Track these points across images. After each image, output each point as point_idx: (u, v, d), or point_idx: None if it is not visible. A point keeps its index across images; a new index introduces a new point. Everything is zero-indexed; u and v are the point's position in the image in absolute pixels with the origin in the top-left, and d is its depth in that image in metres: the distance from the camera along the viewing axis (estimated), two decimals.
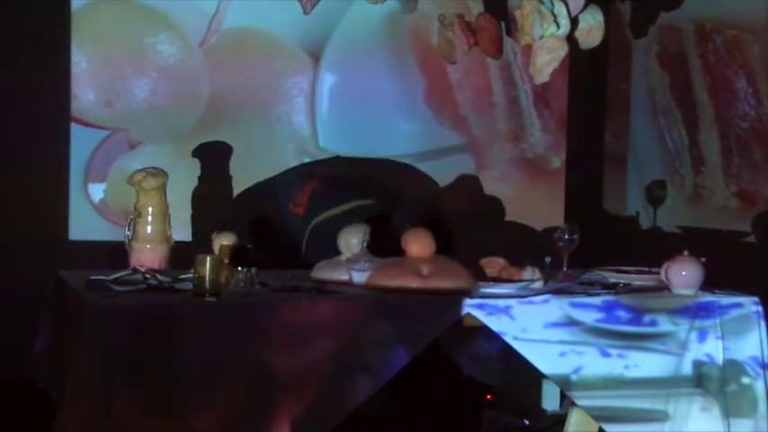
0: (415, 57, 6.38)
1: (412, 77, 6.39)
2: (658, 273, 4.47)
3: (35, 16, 6.14)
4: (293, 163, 6.29)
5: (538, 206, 6.67)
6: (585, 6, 5.07)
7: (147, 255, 4.54)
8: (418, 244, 4.32)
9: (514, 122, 6.51)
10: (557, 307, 4.20)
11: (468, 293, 4.19)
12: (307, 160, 6.27)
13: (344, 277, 4.35)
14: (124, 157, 6.25)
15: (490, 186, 6.52)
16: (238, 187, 6.17)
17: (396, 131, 6.40)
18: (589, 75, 6.90)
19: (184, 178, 5.98)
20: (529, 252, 4.70)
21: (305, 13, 5.53)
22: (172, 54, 6.17)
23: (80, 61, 6.12)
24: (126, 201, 5.76)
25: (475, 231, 6.51)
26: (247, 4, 6.18)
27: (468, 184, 6.43)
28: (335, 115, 6.34)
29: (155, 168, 4.65)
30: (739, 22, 6.70)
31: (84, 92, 6.12)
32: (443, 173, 6.44)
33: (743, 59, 6.66)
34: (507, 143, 6.53)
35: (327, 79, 6.30)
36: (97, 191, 6.19)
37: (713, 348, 4.32)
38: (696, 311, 4.32)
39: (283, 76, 6.28)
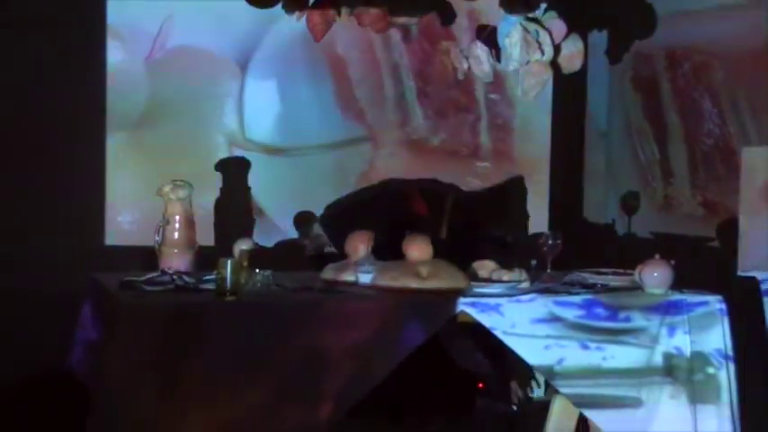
0: (325, 64, 6.55)
1: (322, 81, 6.58)
2: (632, 274, 4.48)
3: (69, 32, 6.16)
4: (223, 151, 6.51)
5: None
6: (567, 35, 5.08)
7: (175, 258, 4.54)
8: (417, 248, 4.33)
9: (401, 112, 6.70)
10: (542, 305, 4.21)
11: (462, 293, 4.20)
12: (237, 150, 6.50)
13: (351, 278, 4.36)
14: None
15: (383, 162, 6.70)
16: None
17: (310, 126, 6.58)
18: (570, 96, 6.89)
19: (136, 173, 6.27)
20: (516, 256, 4.70)
21: (316, 40, 5.55)
22: (120, 59, 6.33)
23: None
24: None
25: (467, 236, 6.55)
26: (188, 26, 6.38)
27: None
28: (259, 113, 6.52)
29: (181, 180, 4.65)
30: (706, 48, 6.69)
31: None
32: (351, 157, 6.68)
33: (708, 83, 6.65)
34: (396, 129, 6.72)
35: (252, 84, 6.48)
36: None
37: (681, 342, 4.32)
38: (666, 309, 4.32)
39: (216, 82, 6.48)
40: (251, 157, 6.46)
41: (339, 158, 6.61)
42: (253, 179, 6.45)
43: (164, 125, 6.41)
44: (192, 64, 6.46)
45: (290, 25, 5.97)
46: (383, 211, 6.27)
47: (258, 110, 6.51)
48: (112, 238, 6.17)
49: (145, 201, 5.95)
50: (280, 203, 6.49)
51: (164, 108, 6.41)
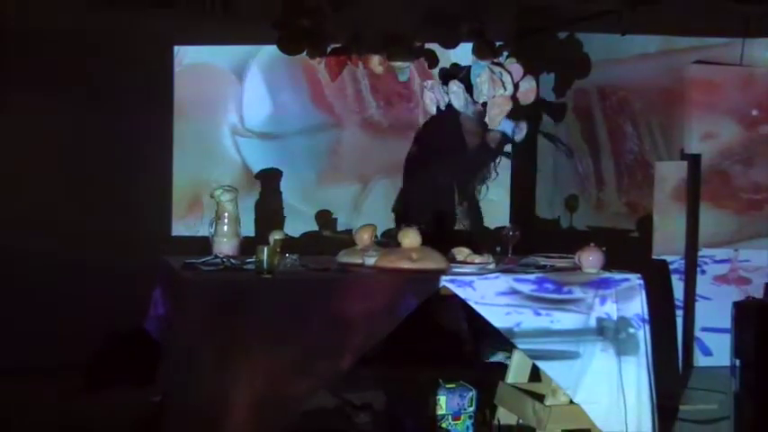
0: (303, 75, 6.55)
1: (299, 84, 6.61)
2: (573, 258, 4.46)
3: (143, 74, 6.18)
4: (228, 137, 6.53)
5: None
6: (524, 76, 5.08)
7: (225, 246, 4.52)
8: (409, 238, 4.31)
9: (360, 104, 6.73)
10: (504, 281, 4.19)
11: (444, 272, 4.18)
12: (239, 137, 6.58)
13: (359, 261, 4.34)
14: None
15: (347, 140, 6.73)
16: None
17: (292, 116, 6.61)
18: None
19: None
20: (485, 244, 4.69)
21: (332, 80, 5.53)
22: None
23: None
24: None
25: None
26: (197, 49, 6.52)
27: None
28: (254, 109, 6.59)
29: (229, 186, 4.64)
30: (627, 86, 6.74)
31: None
32: (324, 139, 6.71)
33: (629, 112, 6.69)
34: (355, 115, 6.72)
35: (248, 89, 6.58)
36: None
37: (610, 309, 4.29)
38: (599, 284, 4.30)
39: (220, 88, 6.56)
40: (249, 142, 6.52)
41: (314, 140, 6.66)
42: (251, 157, 6.48)
43: (182, 120, 6.42)
44: (203, 76, 6.53)
45: (273, 47, 6.06)
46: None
47: (253, 107, 6.54)
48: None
49: None
50: (271, 173, 6.54)
51: (182, 108, 6.43)
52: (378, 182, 6.57)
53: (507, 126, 5.68)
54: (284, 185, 6.49)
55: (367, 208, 6.53)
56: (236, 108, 6.55)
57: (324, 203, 6.51)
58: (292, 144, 6.57)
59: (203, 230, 5.00)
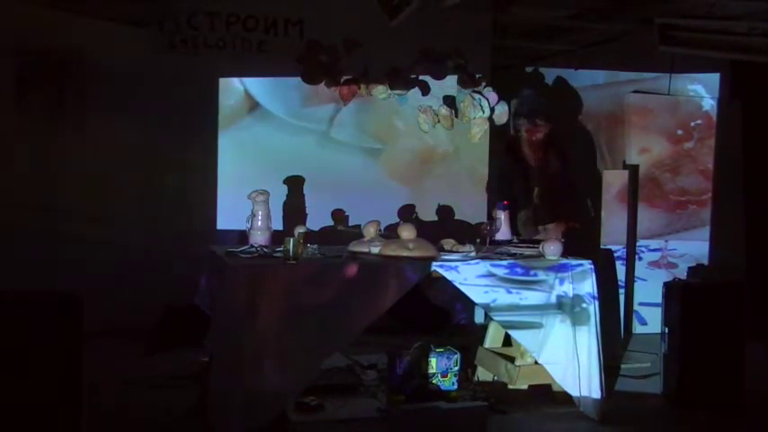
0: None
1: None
2: (538, 247, 4.40)
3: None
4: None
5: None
6: (498, 101, 5.02)
7: (259, 237, 4.45)
8: (407, 231, 4.25)
9: None
10: (483, 266, 4.13)
11: (434, 259, 4.13)
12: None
13: (366, 249, 4.27)
14: None
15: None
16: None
17: (285, 110, 6.29)
18: (499, 138, 6.80)
19: None
20: (468, 235, 4.62)
21: (344, 104, 5.43)
22: None
23: None
24: None
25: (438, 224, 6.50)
26: None
27: None
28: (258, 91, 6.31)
29: (263, 189, 4.56)
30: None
31: None
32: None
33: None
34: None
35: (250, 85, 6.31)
36: None
37: (567, 288, 4.24)
38: (558, 268, 4.25)
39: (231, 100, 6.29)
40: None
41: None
42: (250, 87, 6.25)
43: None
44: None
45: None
46: None
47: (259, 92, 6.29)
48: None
49: None
50: (297, 179, 6.31)
51: None
52: (349, 103, 6.03)
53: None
54: (276, 106, 6.31)
55: (338, 121, 6.30)
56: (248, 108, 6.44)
57: (306, 118, 6.30)
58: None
59: None
